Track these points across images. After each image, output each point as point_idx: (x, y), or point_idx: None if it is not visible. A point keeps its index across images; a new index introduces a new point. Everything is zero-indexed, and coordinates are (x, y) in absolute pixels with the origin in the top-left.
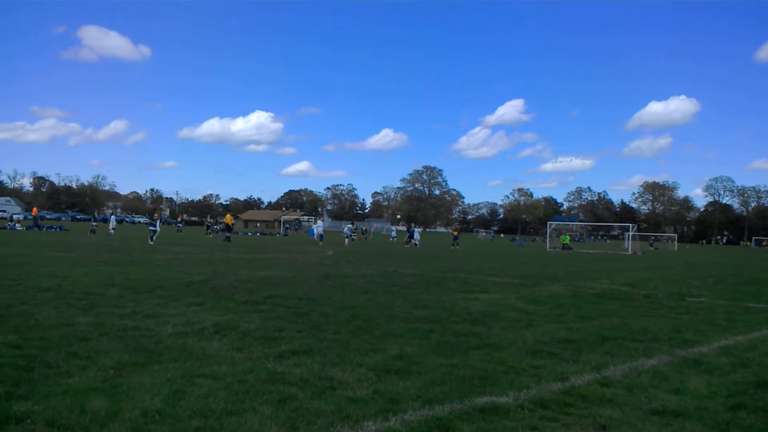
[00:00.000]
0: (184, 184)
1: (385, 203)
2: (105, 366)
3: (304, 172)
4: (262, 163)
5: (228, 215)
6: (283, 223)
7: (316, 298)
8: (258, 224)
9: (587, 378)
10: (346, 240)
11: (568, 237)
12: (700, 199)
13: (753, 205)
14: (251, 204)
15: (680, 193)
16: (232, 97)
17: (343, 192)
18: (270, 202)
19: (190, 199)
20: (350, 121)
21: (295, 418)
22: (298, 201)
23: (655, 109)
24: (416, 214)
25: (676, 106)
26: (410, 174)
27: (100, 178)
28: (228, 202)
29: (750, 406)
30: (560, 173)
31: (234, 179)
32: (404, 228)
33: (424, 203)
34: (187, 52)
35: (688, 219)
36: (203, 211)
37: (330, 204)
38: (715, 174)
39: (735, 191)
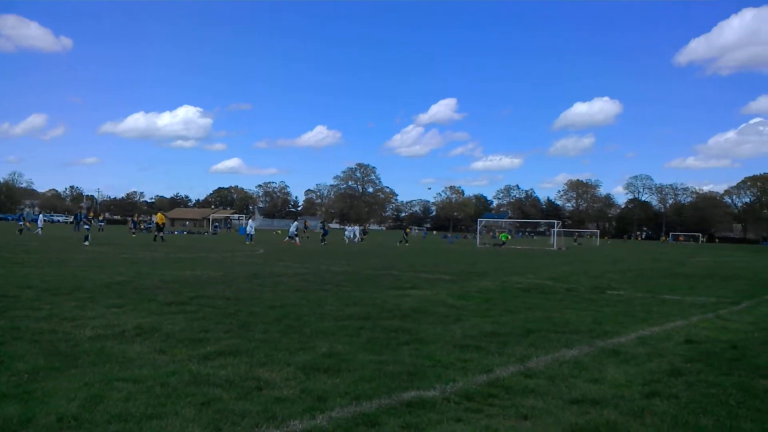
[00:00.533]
0: (106, 181)
1: (319, 201)
2: (19, 371)
3: (235, 169)
4: (190, 160)
5: (159, 214)
6: (212, 221)
7: (244, 298)
8: (186, 223)
9: (512, 369)
10: (297, 238)
11: (507, 234)
12: (621, 196)
13: (670, 202)
14: (178, 202)
15: (602, 191)
16: (159, 92)
17: (276, 189)
18: (198, 199)
19: (112, 197)
20: (283, 118)
21: (219, 419)
22: (228, 199)
23: (580, 109)
24: (349, 211)
25: (600, 107)
26: (344, 171)
27: (16, 175)
28: (153, 200)
29: (663, 393)
30: (490, 171)
31: (160, 176)
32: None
33: (358, 201)
34: (111, 44)
35: (609, 216)
36: (126, 209)
37: (262, 202)
38: (635, 172)
39: (653, 189)
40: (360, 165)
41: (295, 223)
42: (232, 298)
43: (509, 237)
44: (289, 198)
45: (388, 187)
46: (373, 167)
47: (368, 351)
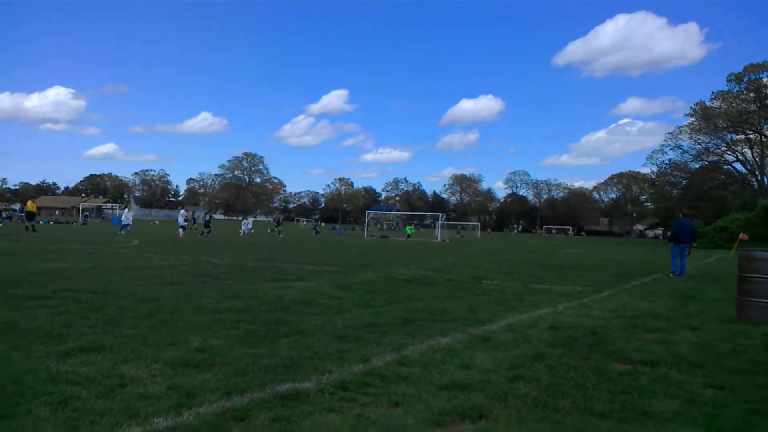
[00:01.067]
0: None
1: (202, 191)
2: None
3: (110, 155)
4: (60, 144)
5: (30, 201)
6: (82, 210)
7: (114, 292)
8: (57, 212)
9: (388, 358)
10: (180, 230)
11: (412, 228)
12: (501, 191)
13: (545, 197)
14: (45, 189)
15: (485, 185)
16: (27, 72)
17: (154, 178)
18: (68, 187)
19: None
20: (163, 102)
21: (77, 418)
22: (100, 187)
23: (466, 106)
24: (235, 202)
25: (485, 104)
26: (230, 161)
27: None
28: (17, 187)
29: (527, 376)
30: (380, 164)
31: (25, 161)
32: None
33: (244, 191)
34: None
35: (490, 209)
36: None
37: (138, 190)
38: (515, 168)
39: (530, 184)
40: (247, 154)
41: (182, 211)
42: (100, 292)
43: (413, 231)
44: (168, 187)
45: (276, 178)
46: (261, 157)
47: (245, 344)
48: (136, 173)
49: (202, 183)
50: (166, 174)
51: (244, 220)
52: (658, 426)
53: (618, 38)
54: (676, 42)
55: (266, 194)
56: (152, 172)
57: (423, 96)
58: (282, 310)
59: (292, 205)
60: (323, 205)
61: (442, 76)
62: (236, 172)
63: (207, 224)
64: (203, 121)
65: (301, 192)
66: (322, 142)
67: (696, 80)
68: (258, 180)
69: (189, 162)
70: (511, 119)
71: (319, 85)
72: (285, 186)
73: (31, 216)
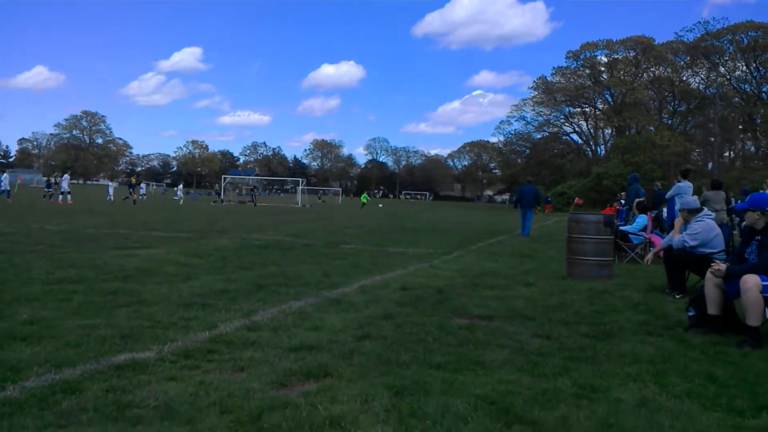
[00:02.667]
0: None
1: (36, 152)
2: None
3: None
4: None
5: None
6: None
7: None
8: None
9: (236, 324)
10: (64, 196)
11: (367, 196)
12: (361, 156)
13: (403, 163)
14: None
15: (345, 151)
16: None
17: None
18: None
19: None
20: None
21: None
22: None
23: (328, 71)
24: (75, 164)
25: (346, 70)
26: (67, 119)
27: None
28: None
29: (374, 335)
30: (238, 127)
31: None
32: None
33: (85, 152)
34: None
35: (351, 175)
36: None
37: None
38: (375, 135)
39: (389, 151)
40: (86, 113)
41: (6, 175)
42: None
43: (368, 199)
44: None
45: (121, 139)
46: (103, 116)
47: (79, 316)
48: None
49: (36, 143)
50: None
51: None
52: (488, 374)
53: (473, 12)
54: (525, 19)
55: (110, 156)
56: None
57: (284, 59)
58: (122, 279)
59: (139, 169)
60: (175, 168)
61: (304, 39)
62: (75, 132)
63: (48, 187)
64: (38, 75)
65: (150, 154)
66: (174, 102)
67: (541, 56)
68: (100, 141)
69: (22, 120)
70: (372, 86)
71: (170, 40)
72: (131, 148)
73: None
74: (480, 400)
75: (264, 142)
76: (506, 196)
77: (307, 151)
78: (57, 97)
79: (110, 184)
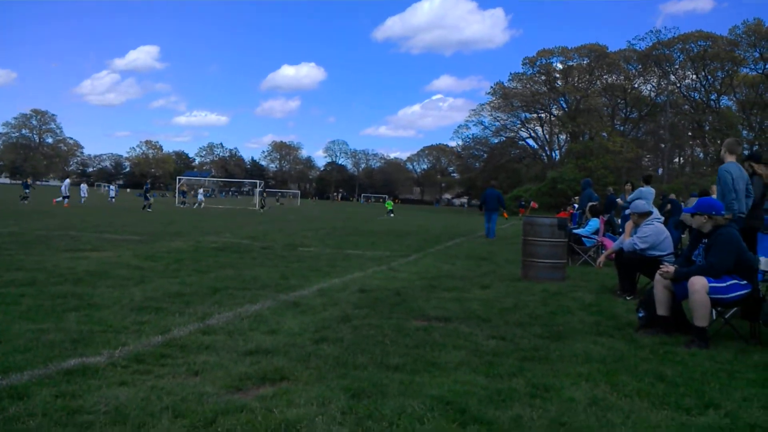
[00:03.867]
0: None
1: None
2: None
3: None
4: None
5: None
6: None
7: None
8: None
9: (190, 328)
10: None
11: (391, 203)
12: (321, 159)
13: (363, 166)
14: None
15: (305, 153)
16: None
17: None
18: None
19: None
20: None
21: None
22: None
23: (288, 72)
24: (24, 164)
25: (306, 72)
26: (15, 118)
27: None
28: None
29: (331, 338)
30: (194, 127)
31: None
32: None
33: (35, 153)
34: None
35: (310, 177)
36: None
37: None
38: (335, 137)
39: (349, 153)
40: (36, 111)
41: (67, 180)
42: None
43: (392, 205)
44: None
45: (72, 138)
46: (53, 115)
47: (27, 320)
48: None
49: None
50: None
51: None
52: (444, 375)
53: (433, 17)
54: (484, 25)
55: (60, 156)
56: None
57: (242, 58)
58: (73, 282)
59: (91, 169)
60: (128, 169)
61: (263, 40)
62: (24, 131)
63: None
64: None
65: (102, 155)
66: (128, 102)
67: (500, 62)
68: (50, 140)
69: None
70: (332, 89)
71: (126, 39)
72: (82, 147)
73: None
74: (436, 400)
75: (221, 143)
76: (464, 200)
77: (266, 153)
78: (7, 95)
79: (111, 186)
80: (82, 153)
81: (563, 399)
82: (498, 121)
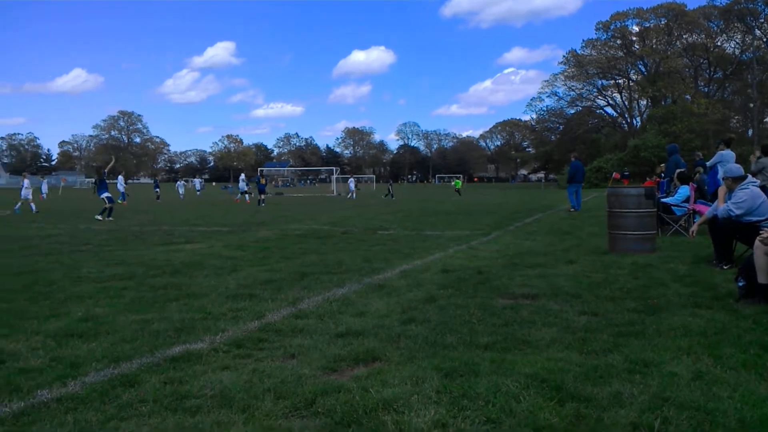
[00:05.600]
0: None
1: (77, 153)
2: None
3: None
4: None
5: None
6: None
7: None
8: None
9: (283, 313)
10: (247, 196)
11: (459, 181)
12: (393, 142)
13: (435, 147)
14: None
15: (377, 138)
16: None
17: (23, 142)
18: None
19: None
20: (31, 59)
21: None
22: None
23: (358, 58)
24: (115, 164)
25: (376, 56)
26: (104, 120)
27: None
28: None
29: (418, 318)
30: (271, 119)
31: None
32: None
33: (124, 152)
34: None
35: (384, 161)
36: None
37: (6, 156)
38: (406, 119)
39: (420, 135)
40: (123, 113)
41: (243, 176)
42: None
43: (461, 184)
44: (39, 151)
45: (158, 137)
46: (140, 115)
47: (131, 311)
48: (2, 138)
49: (76, 145)
50: (35, 138)
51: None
52: (537, 352)
53: None
54: None
55: (148, 155)
56: (20, 136)
57: (314, 47)
58: (171, 274)
59: (178, 165)
60: (212, 164)
61: (334, 27)
62: (113, 132)
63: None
64: (76, 78)
65: (186, 151)
66: (209, 98)
67: (572, 29)
68: (138, 140)
69: (62, 123)
70: (402, 71)
71: (203, 37)
72: (168, 145)
73: None
74: (530, 378)
75: (296, 133)
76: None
77: (340, 140)
78: (96, 99)
79: (196, 180)
80: (168, 150)
81: (664, 374)
82: (573, 90)
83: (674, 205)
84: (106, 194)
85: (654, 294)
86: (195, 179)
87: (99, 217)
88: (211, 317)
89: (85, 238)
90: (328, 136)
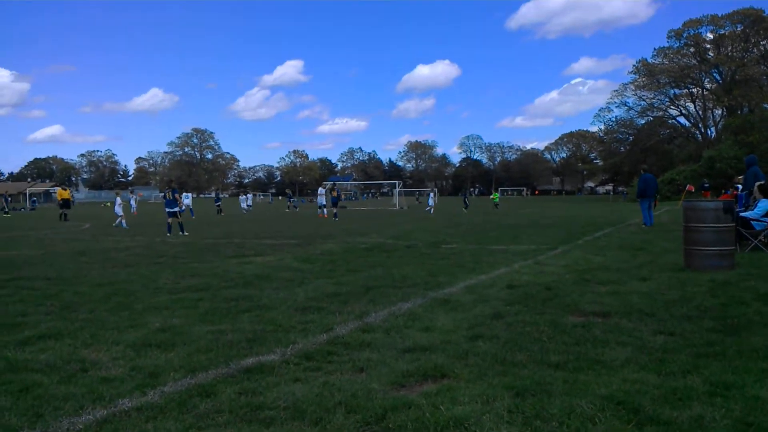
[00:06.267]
0: None
1: (152, 169)
2: None
3: (56, 138)
4: (2, 129)
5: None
6: (30, 195)
7: (68, 278)
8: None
9: (351, 326)
10: (325, 210)
11: (498, 195)
12: (455, 156)
13: (498, 159)
14: None
15: (439, 151)
16: None
17: (101, 158)
18: (12, 172)
19: None
20: (111, 80)
21: (39, 405)
22: (46, 170)
23: (422, 72)
24: (188, 179)
25: (441, 70)
26: (179, 137)
27: None
28: None
29: (486, 335)
30: (336, 134)
31: None
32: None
33: (197, 168)
34: None
35: (446, 174)
36: None
37: (85, 172)
38: (470, 132)
39: (483, 148)
40: (197, 130)
41: (322, 190)
42: (54, 279)
43: (498, 197)
44: (117, 167)
45: (228, 153)
46: (212, 132)
47: (206, 322)
48: (82, 155)
49: (151, 162)
50: (113, 154)
51: (242, 196)
52: (611, 373)
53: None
54: (626, 1)
55: (219, 170)
56: (99, 153)
57: (379, 63)
58: (242, 285)
59: (247, 180)
60: (279, 178)
61: (398, 42)
62: (186, 149)
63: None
64: (153, 98)
65: (255, 166)
66: (277, 115)
67: (644, 38)
68: (210, 156)
69: (139, 141)
70: (466, 84)
71: (273, 55)
72: (238, 161)
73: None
74: (606, 400)
75: (360, 147)
76: (609, 187)
77: (402, 153)
78: (172, 117)
79: (241, 197)
80: (238, 166)
81: (747, 397)
82: (644, 100)
83: (754, 220)
84: (177, 209)
85: (734, 313)
86: (241, 196)
87: (184, 233)
88: (282, 329)
89: (161, 250)
90: (391, 150)
